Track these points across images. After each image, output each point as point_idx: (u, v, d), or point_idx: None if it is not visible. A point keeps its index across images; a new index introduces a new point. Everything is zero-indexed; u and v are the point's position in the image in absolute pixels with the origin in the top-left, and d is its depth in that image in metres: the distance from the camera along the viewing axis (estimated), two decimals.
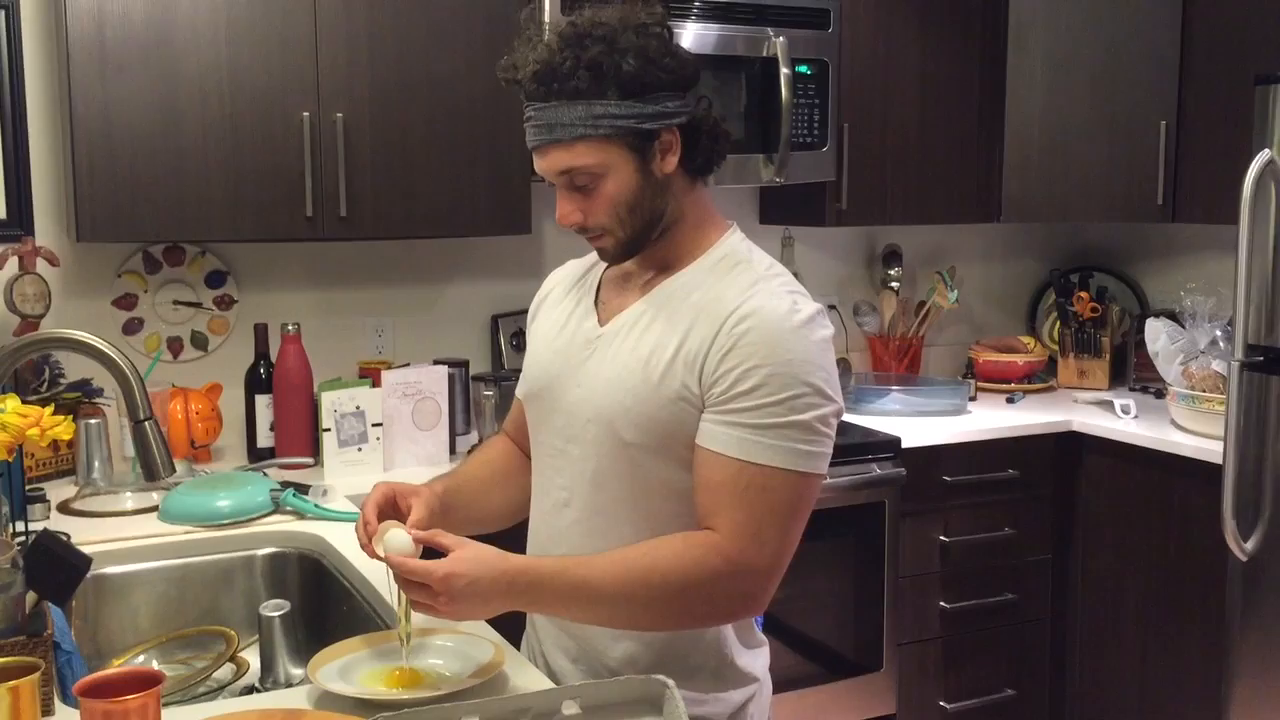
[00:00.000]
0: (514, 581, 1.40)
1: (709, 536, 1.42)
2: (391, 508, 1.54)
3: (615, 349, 1.53)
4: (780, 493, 1.42)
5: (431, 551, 1.43)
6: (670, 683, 1.32)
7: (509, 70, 1.50)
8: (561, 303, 1.67)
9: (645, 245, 1.53)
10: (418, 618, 1.67)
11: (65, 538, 1.69)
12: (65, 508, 2.38)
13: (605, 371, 1.52)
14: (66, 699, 1.45)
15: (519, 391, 1.71)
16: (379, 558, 1.46)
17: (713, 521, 1.43)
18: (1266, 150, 2.64)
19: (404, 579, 1.39)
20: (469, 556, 1.39)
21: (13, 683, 1.19)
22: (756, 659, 1.62)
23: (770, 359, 1.41)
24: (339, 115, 2.65)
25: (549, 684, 1.49)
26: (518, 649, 1.66)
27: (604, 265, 1.64)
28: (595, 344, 1.56)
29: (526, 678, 1.49)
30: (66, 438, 1.49)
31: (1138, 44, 3.35)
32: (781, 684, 1.72)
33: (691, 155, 1.51)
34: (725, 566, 1.40)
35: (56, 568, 1.53)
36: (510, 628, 1.67)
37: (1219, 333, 3.13)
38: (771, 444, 1.41)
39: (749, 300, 1.45)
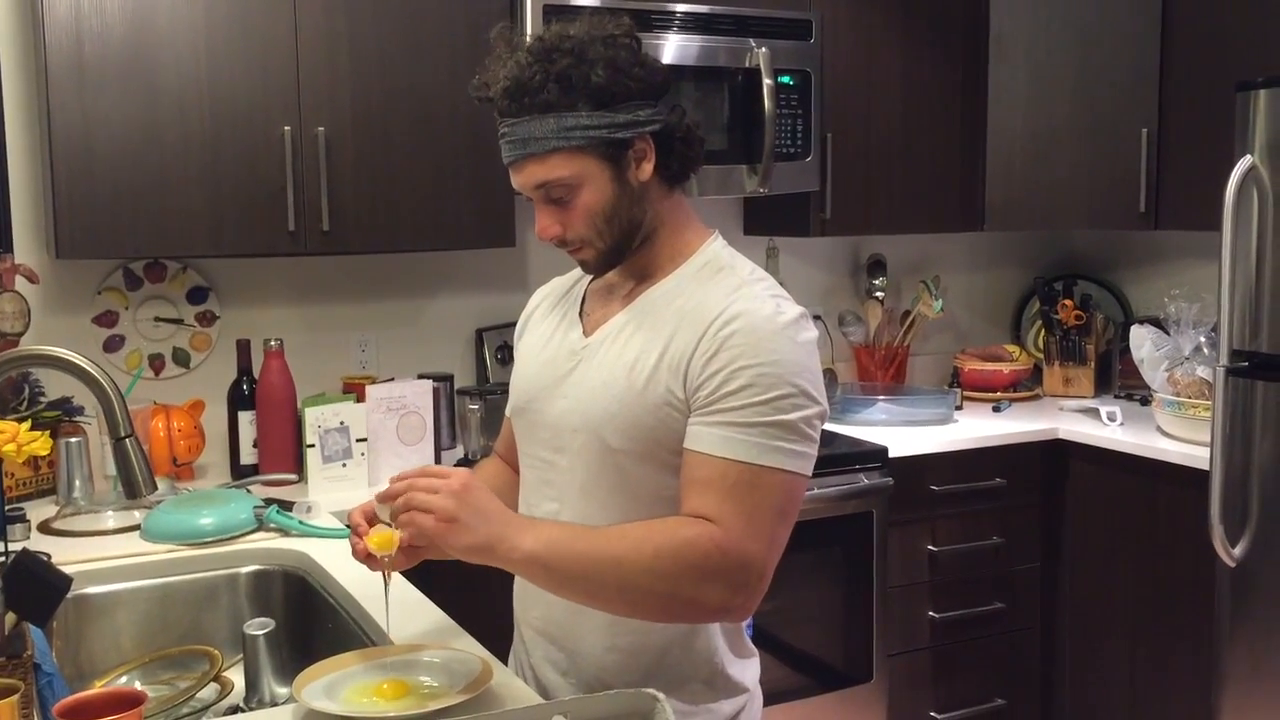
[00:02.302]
0: (515, 515, 1.43)
1: (703, 521, 1.41)
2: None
3: (600, 358, 1.53)
4: (767, 491, 1.41)
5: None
6: (660, 696, 1.31)
7: (481, 89, 1.51)
8: (547, 318, 1.68)
9: (626, 255, 1.53)
10: (406, 631, 1.66)
11: (45, 557, 1.67)
12: (46, 527, 2.36)
13: (590, 380, 1.52)
14: None
15: (508, 410, 1.70)
16: (371, 559, 1.45)
17: (704, 514, 1.42)
18: (1248, 156, 2.65)
19: (413, 492, 1.38)
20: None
21: None
22: (747, 669, 1.61)
23: (756, 360, 1.42)
24: (320, 129, 2.64)
25: (538, 699, 1.48)
26: (505, 664, 1.65)
27: (588, 279, 1.64)
28: (581, 355, 1.56)
29: (515, 692, 1.48)
30: (44, 453, 1.47)
31: (1118, 51, 3.37)
32: (771, 696, 1.71)
33: (666, 162, 1.51)
34: (717, 552, 1.39)
35: (36, 588, 1.51)
36: (497, 643, 1.66)
37: (1203, 339, 3.14)
38: (758, 443, 1.40)
39: (733, 304, 1.46)
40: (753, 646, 1.64)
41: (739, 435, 1.41)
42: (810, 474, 1.46)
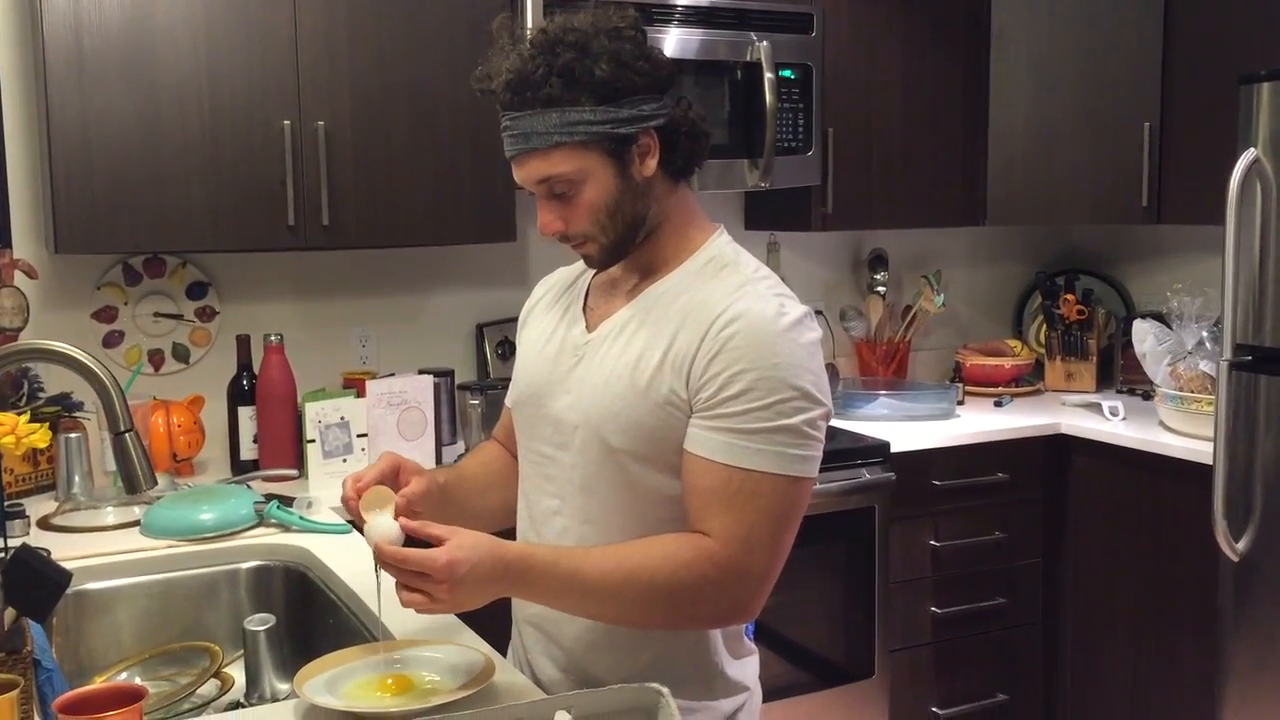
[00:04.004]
0: (509, 567, 1.37)
1: (701, 539, 1.41)
2: (393, 478, 1.52)
3: (603, 355, 1.52)
4: (770, 497, 1.40)
5: (412, 540, 1.39)
6: (665, 691, 1.31)
7: (483, 81, 1.49)
8: (550, 310, 1.66)
9: (630, 250, 1.52)
10: (406, 627, 1.65)
11: (45, 553, 1.66)
12: (45, 523, 2.35)
13: (593, 378, 1.51)
14: (47, 717, 1.42)
15: (508, 400, 1.69)
16: (359, 517, 1.43)
17: (704, 526, 1.41)
18: (1251, 149, 2.64)
19: (400, 570, 1.34)
20: (467, 543, 1.35)
21: None
22: (746, 668, 1.60)
23: (757, 363, 1.40)
24: (320, 123, 2.63)
25: (541, 694, 1.47)
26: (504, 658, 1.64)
27: (592, 272, 1.62)
28: (583, 350, 1.54)
29: (517, 688, 1.47)
30: (43, 445, 1.46)
31: (1120, 45, 3.36)
32: (772, 692, 1.70)
33: (671, 157, 1.49)
34: (715, 571, 1.39)
35: (36, 583, 1.50)
36: (496, 637, 1.65)
37: (1206, 333, 3.13)
38: (760, 449, 1.39)
39: (736, 303, 1.44)
40: (751, 645, 1.63)
41: (740, 441, 1.39)
42: (816, 475, 1.45)
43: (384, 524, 1.40)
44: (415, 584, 1.33)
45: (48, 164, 2.45)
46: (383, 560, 1.35)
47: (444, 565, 1.31)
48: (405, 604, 1.34)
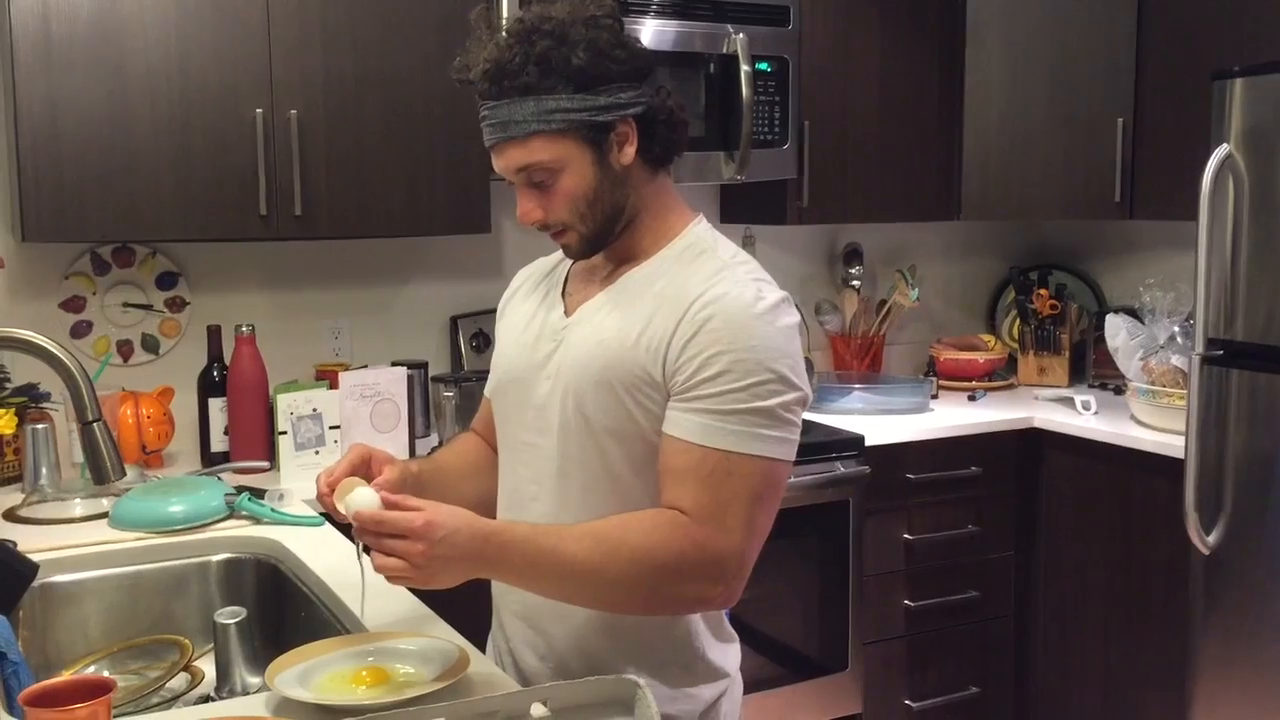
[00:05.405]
0: (487, 541, 1.36)
1: (678, 516, 1.40)
2: (364, 469, 1.51)
3: (579, 337, 1.52)
4: (745, 478, 1.40)
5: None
6: (641, 683, 1.30)
7: (461, 71, 1.50)
8: (529, 297, 1.66)
9: (609, 240, 1.52)
10: (380, 619, 1.64)
11: (11, 545, 1.64)
12: (11, 515, 2.32)
13: (570, 360, 1.51)
14: (13, 711, 1.40)
15: (487, 389, 1.68)
16: (336, 511, 1.41)
17: (680, 505, 1.41)
18: (1224, 145, 2.66)
19: (377, 535, 1.32)
20: (446, 511, 1.35)
21: None
22: (728, 654, 1.60)
23: (734, 345, 1.40)
24: (293, 112, 2.60)
25: (515, 685, 1.46)
26: (482, 651, 1.63)
27: (571, 260, 1.62)
28: (562, 335, 1.55)
29: (492, 680, 1.46)
30: (9, 432, 1.44)
31: (1094, 41, 3.37)
32: (746, 685, 1.69)
33: (649, 145, 1.50)
34: (693, 549, 1.38)
35: (2, 575, 1.48)
36: (475, 630, 1.64)
37: (1177, 328, 3.15)
38: (735, 429, 1.39)
39: (713, 287, 1.44)
40: (732, 631, 1.63)
41: (716, 423, 1.40)
42: (792, 459, 1.45)
43: (363, 494, 1.38)
44: (392, 548, 1.31)
45: (15, 151, 2.42)
46: (361, 524, 1.33)
47: (422, 525, 1.31)
48: (379, 568, 1.32)
